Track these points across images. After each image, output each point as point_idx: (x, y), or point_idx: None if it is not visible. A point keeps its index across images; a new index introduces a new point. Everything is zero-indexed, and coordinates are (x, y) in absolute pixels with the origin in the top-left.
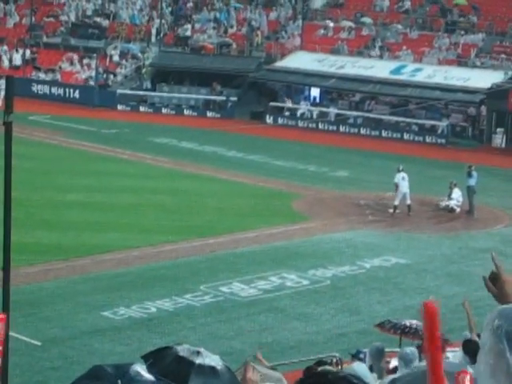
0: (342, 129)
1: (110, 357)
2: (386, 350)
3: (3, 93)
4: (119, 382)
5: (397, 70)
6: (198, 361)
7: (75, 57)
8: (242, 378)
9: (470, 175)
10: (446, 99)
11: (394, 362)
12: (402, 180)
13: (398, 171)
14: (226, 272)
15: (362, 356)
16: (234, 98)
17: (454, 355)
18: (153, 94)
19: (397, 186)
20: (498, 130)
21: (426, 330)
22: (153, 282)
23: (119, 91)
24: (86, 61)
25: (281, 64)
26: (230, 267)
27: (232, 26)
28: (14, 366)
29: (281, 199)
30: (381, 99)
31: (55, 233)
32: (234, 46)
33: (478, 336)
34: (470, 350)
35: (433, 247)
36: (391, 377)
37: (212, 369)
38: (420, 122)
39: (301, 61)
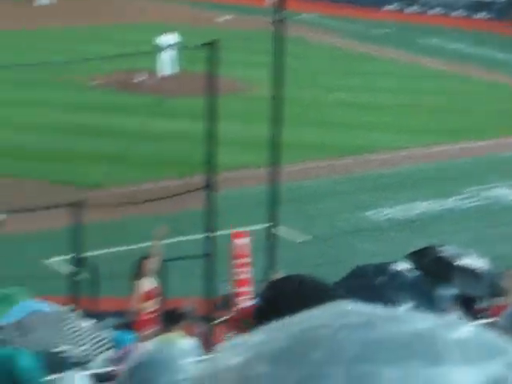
0: None
1: (371, 257)
2: None
3: None
4: (381, 278)
5: None
6: (458, 262)
7: None
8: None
9: None
10: None
11: None
12: None
13: None
14: (494, 175)
15: None
16: None
17: None
18: None
19: None
20: None
21: None
22: (420, 183)
23: None
24: None
25: None
26: (498, 171)
27: None
28: (279, 261)
29: None
30: None
31: (319, 132)
32: None
33: None
34: None
35: None
36: None
37: (472, 271)
38: None
39: None
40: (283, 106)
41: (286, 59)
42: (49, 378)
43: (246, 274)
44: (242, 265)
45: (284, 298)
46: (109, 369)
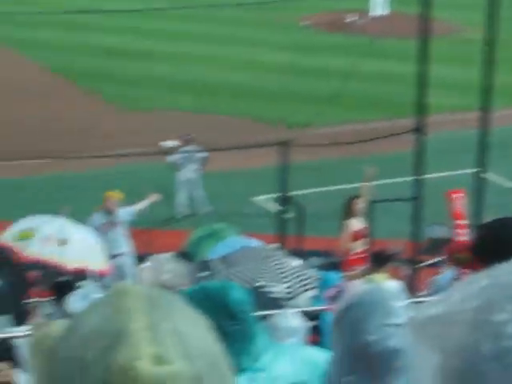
0: None
1: None
2: None
3: None
4: None
5: None
6: None
7: None
8: None
9: None
10: None
11: None
12: None
13: None
14: None
15: None
16: None
17: None
18: None
19: None
20: None
21: None
22: None
23: None
24: None
25: None
26: None
27: None
28: (487, 207)
29: None
30: None
31: None
32: None
33: None
34: None
35: None
36: None
37: None
38: None
39: None
40: (497, 49)
41: (501, 1)
42: (260, 313)
43: (463, 236)
44: (460, 226)
45: (503, 237)
46: (316, 308)
